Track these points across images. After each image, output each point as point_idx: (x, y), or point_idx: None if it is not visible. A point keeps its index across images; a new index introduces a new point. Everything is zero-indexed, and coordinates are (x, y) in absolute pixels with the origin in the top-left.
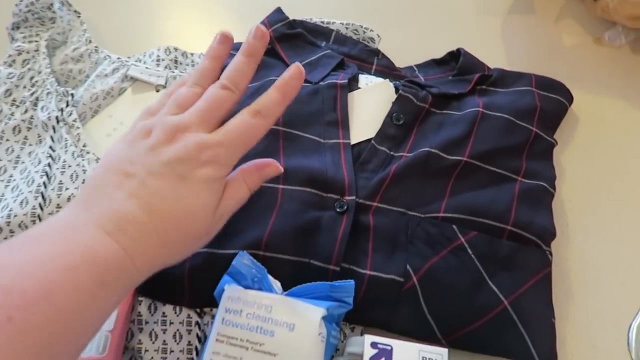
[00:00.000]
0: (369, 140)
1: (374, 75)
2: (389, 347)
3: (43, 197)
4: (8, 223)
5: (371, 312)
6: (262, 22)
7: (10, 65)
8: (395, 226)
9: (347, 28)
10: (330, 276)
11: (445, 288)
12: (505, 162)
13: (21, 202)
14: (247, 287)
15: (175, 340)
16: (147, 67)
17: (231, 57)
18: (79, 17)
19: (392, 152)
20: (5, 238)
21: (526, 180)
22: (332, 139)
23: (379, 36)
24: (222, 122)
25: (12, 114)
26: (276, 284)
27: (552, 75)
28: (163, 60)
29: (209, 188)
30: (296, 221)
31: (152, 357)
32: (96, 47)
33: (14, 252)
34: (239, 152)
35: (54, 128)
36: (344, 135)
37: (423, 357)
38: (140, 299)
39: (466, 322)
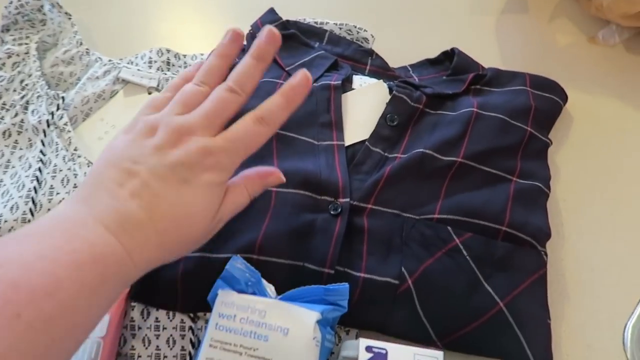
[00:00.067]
0: (363, 142)
1: (368, 75)
2: (383, 351)
3: (34, 202)
4: None
5: (366, 315)
6: (255, 23)
7: None
8: (390, 228)
9: (340, 28)
10: (325, 279)
11: (440, 290)
12: (500, 162)
13: (11, 208)
14: (240, 291)
15: (169, 346)
16: (139, 69)
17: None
18: (69, 19)
19: (386, 154)
20: None
21: (521, 181)
22: (326, 141)
23: (372, 36)
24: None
25: (2, 118)
26: (270, 288)
27: (546, 75)
28: (155, 62)
29: (210, 192)
30: (290, 224)
31: None
32: (87, 49)
33: (22, 246)
34: (241, 158)
35: (44, 132)
36: (338, 137)
37: None
38: (132, 304)
39: (461, 324)
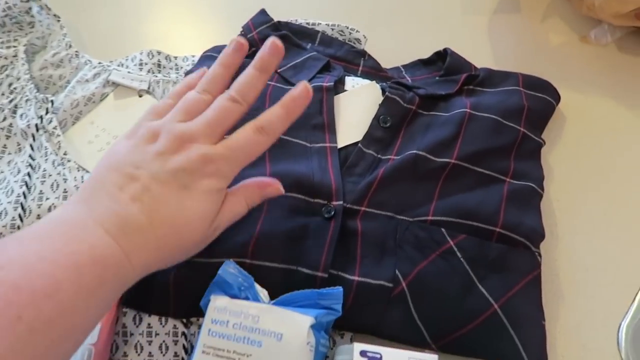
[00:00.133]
0: (356, 144)
1: (360, 76)
2: (378, 355)
3: (23, 208)
4: None
5: (360, 318)
6: (247, 24)
7: None
8: (384, 231)
9: (332, 29)
10: (319, 283)
11: (434, 293)
12: (493, 163)
13: (0, 214)
14: (233, 296)
15: (162, 352)
16: (129, 72)
17: (207, 62)
18: (58, 21)
19: (379, 155)
20: None
21: (514, 181)
22: (318, 143)
23: (365, 37)
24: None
25: None
26: (263, 293)
27: (538, 74)
28: (146, 64)
29: (209, 199)
30: (283, 228)
31: None
32: (77, 51)
33: (23, 248)
34: (240, 166)
35: (33, 136)
36: (331, 139)
37: None
38: (124, 310)
39: (456, 327)
